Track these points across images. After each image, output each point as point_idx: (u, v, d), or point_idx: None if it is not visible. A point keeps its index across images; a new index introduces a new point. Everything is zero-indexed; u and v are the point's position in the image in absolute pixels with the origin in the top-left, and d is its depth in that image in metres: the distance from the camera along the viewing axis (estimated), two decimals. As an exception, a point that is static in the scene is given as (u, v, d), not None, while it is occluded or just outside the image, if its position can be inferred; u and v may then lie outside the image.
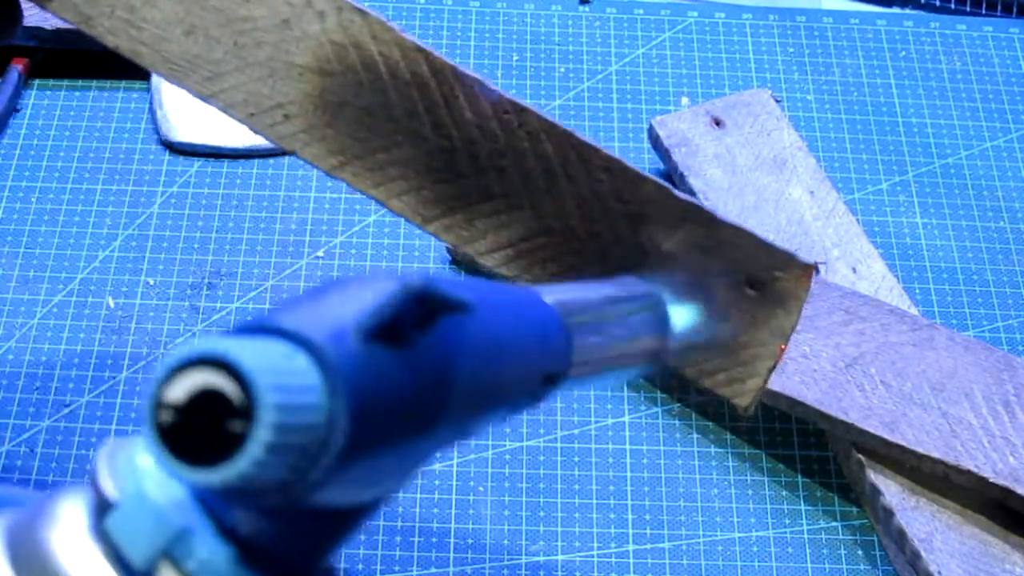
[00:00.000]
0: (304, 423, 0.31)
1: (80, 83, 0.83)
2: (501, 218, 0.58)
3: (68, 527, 0.33)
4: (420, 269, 0.74)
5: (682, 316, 0.51)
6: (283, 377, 0.30)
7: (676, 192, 0.56)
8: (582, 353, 0.43)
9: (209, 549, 0.32)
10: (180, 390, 0.30)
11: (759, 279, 0.55)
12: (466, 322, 0.37)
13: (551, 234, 0.58)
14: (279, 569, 0.33)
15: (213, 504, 0.33)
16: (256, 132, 0.59)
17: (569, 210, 0.57)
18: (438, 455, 0.38)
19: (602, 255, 0.57)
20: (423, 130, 0.57)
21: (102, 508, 0.33)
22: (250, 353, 0.30)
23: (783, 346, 0.56)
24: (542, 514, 0.66)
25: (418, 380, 0.34)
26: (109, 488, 0.33)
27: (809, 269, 0.56)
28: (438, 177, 0.57)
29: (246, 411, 0.29)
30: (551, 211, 0.57)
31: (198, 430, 0.30)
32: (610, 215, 0.57)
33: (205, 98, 0.59)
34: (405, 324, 0.34)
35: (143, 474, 0.32)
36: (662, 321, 0.49)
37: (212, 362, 0.30)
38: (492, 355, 0.38)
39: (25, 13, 0.63)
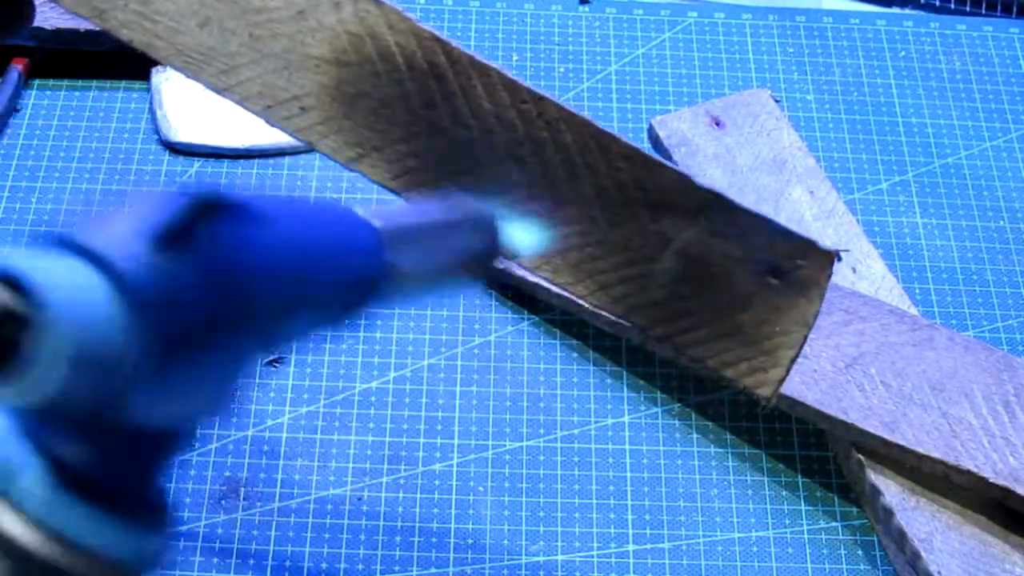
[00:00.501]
0: (100, 336, 0.31)
1: (80, 83, 0.83)
2: (520, 208, 0.58)
3: None
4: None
5: (519, 230, 0.51)
6: (73, 291, 0.31)
7: (697, 180, 0.56)
8: (403, 264, 0.44)
9: (33, 476, 0.32)
10: None
11: (780, 267, 0.55)
12: (260, 228, 0.37)
13: (571, 223, 0.57)
14: (104, 492, 0.34)
15: (35, 431, 0.33)
16: (272, 125, 0.58)
17: (589, 199, 0.57)
18: (254, 364, 0.38)
19: (623, 244, 0.57)
20: (441, 121, 0.57)
21: None
22: (38, 267, 0.30)
23: (806, 335, 0.56)
24: (542, 514, 0.66)
25: (211, 285, 0.35)
26: None
27: (830, 256, 0.55)
28: (456, 168, 0.57)
29: (35, 325, 0.30)
30: (571, 200, 0.57)
31: None
32: (630, 204, 0.56)
33: (220, 91, 0.58)
34: (191, 228, 0.34)
35: None
36: (492, 234, 0.49)
37: (1, 279, 0.30)
38: (292, 261, 0.39)
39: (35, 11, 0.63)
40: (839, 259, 0.56)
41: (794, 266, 0.55)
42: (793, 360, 0.56)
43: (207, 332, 0.35)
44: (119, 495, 0.34)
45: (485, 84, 0.56)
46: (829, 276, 0.56)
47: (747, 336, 0.56)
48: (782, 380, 0.56)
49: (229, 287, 0.35)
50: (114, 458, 0.34)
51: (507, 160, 0.57)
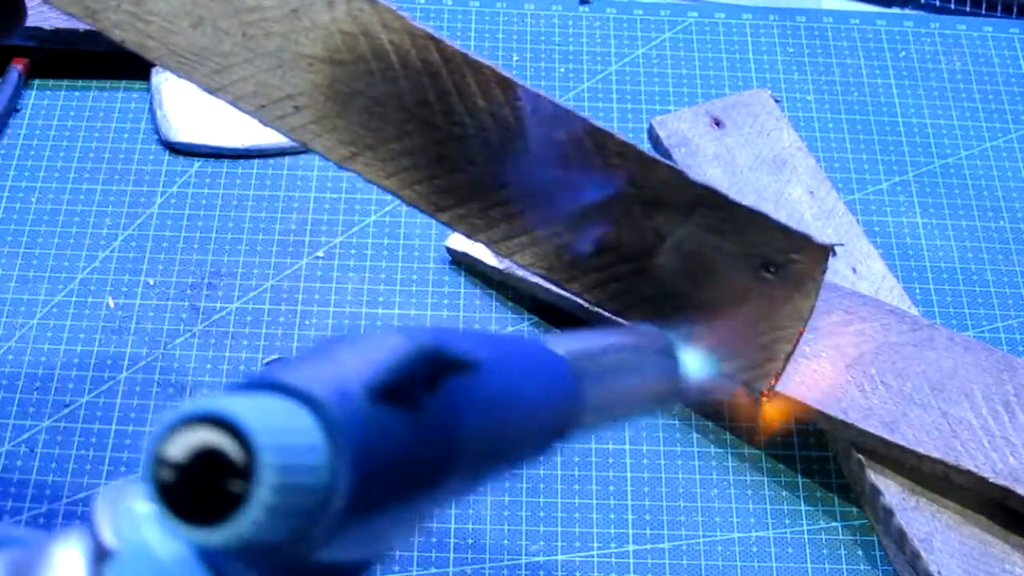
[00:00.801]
0: (306, 484, 0.30)
1: (80, 83, 0.83)
2: (515, 206, 0.57)
3: (65, 574, 0.32)
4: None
5: (695, 359, 0.50)
6: (285, 437, 0.30)
7: (691, 176, 0.56)
8: (592, 402, 0.43)
9: None
10: (180, 448, 0.29)
11: (775, 261, 0.55)
12: (474, 381, 0.36)
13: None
14: None
15: (215, 562, 0.32)
16: (266, 124, 0.58)
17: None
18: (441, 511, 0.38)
19: (617, 241, 0.57)
20: (435, 119, 0.57)
21: (100, 556, 0.32)
22: (252, 411, 0.30)
23: (801, 329, 0.56)
24: (542, 514, 0.66)
25: (424, 442, 0.34)
26: (108, 536, 0.32)
27: (825, 250, 0.55)
28: (451, 166, 0.57)
29: (247, 471, 0.29)
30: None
31: (198, 488, 0.29)
32: (624, 200, 0.56)
33: (214, 91, 0.58)
34: (413, 385, 0.33)
35: (144, 525, 0.32)
36: (673, 365, 0.48)
37: (213, 420, 0.29)
38: (500, 412, 0.38)
39: (28, 11, 0.63)
40: (834, 254, 0.56)
41: (789, 260, 0.55)
42: (789, 355, 0.56)
43: (411, 486, 0.34)
44: None
45: (479, 82, 0.56)
46: (824, 270, 0.56)
47: (743, 331, 0.56)
48: (779, 374, 0.56)
49: (440, 444, 0.34)
50: None
51: (501, 158, 0.57)
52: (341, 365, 0.33)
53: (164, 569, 0.31)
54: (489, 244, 0.58)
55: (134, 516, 0.32)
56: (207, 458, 0.29)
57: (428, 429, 0.34)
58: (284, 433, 0.30)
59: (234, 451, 0.29)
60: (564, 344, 0.43)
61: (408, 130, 0.57)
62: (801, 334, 0.56)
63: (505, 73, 0.56)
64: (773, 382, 0.57)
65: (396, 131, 0.57)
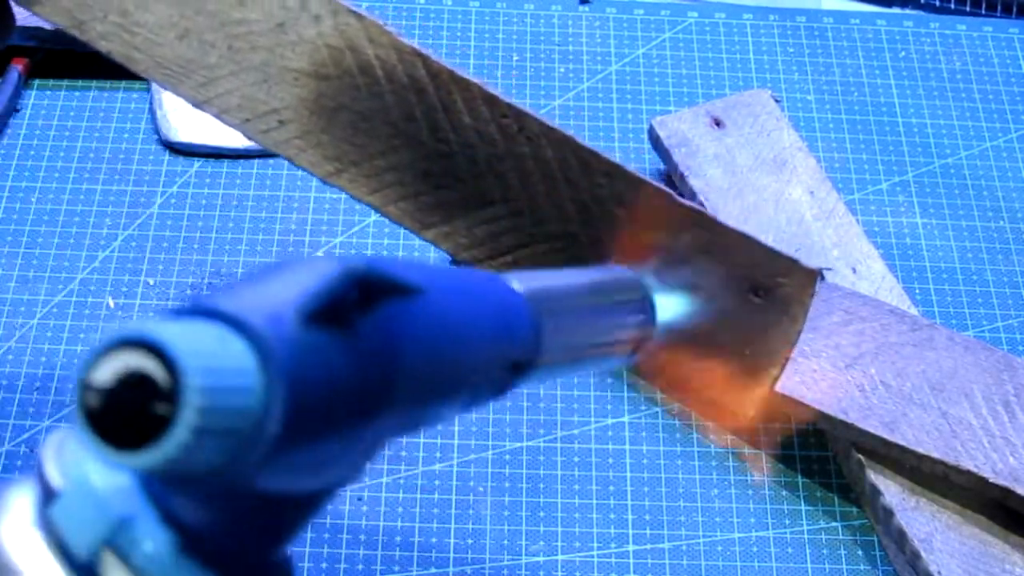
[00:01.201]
0: (235, 406, 0.30)
1: (80, 83, 0.83)
2: (501, 224, 0.57)
3: (15, 517, 0.32)
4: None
5: (671, 304, 0.49)
6: (214, 359, 0.30)
7: (678, 197, 0.56)
8: (554, 341, 0.42)
9: (153, 538, 0.31)
10: (107, 372, 0.29)
11: (763, 285, 0.55)
12: (414, 306, 0.36)
13: (552, 239, 0.57)
14: (227, 559, 0.33)
15: (157, 492, 0.32)
16: (250, 138, 0.58)
17: (570, 215, 0.57)
18: (393, 441, 0.37)
19: (604, 261, 0.57)
20: (421, 135, 0.56)
21: (47, 497, 0.32)
22: (180, 335, 0.29)
23: (789, 352, 0.56)
24: (542, 514, 0.66)
25: (360, 365, 0.33)
26: (54, 477, 0.32)
27: (813, 275, 0.55)
28: (436, 183, 0.57)
29: (172, 394, 0.29)
30: (552, 217, 0.57)
31: (126, 413, 0.29)
32: (611, 220, 0.56)
33: (199, 104, 0.58)
34: (346, 307, 0.33)
35: (86, 462, 0.32)
36: (646, 309, 0.47)
37: (140, 344, 0.29)
38: (444, 341, 0.37)
39: (24, 14, 0.63)
40: (822, 277, 0.56)
41: (776, 284, 0.55)
42: (776, 378, 0.56)
43: (348, 411, 0.34)
44: (241, 562, 0.33)
45: (465, 98, 0.56)
46: (812, 295, 0.55)
47: (730, 354, 0.56)
48: (765, 398, 0.56)
49: (377, 370, 0.34)
50: (238, 525, 0.33)
51: (487, 175, 0.56)
52: (273, 290, 0.33)
53: (104, 501, 0.31)
54: (474, 263, 0.57)
55: (79, 456, 0.32)
56: (133, 382, 0.29)
57: (363, 354, 0.33)
58: (212, 356, 0.30)
59: (159, 374, 0.29)
60: (526, 280, 0.42)
61: (394, 146, 0.57)
62: (788, 356, 0.56)
63: (491, 90, 0.56)
64: (759, 406, 0.56)
65: (382, 146, 0.57)
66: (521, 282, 0.41)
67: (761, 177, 0.76)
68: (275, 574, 0.35)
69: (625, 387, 0.71)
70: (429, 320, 0.36)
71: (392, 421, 0.35)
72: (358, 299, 0.33)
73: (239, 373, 0.30)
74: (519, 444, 0.69)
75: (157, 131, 0.80)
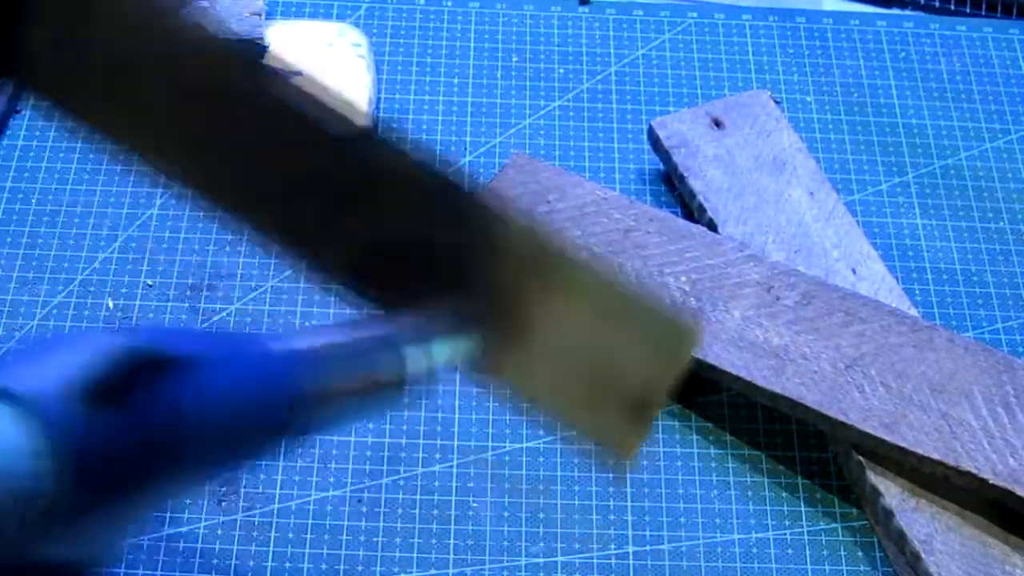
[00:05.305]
0: (18, 487, 0.31)
1: (80, 84, 0.82)
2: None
3: None
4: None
5: (437, 348, 0.50)
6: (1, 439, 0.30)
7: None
8: (314, 396, 0.44)
9: None
10: None
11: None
12: (188, 382, 0.37)
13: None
14: None
15: None
16: None
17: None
18: (182, 495, 0.40)
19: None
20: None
21: None
22: None
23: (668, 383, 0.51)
24: (542, 515, 0.66)
25: (137, 439, 0.35)
26: None
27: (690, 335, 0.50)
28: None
29: None
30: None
31: None
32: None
33: None
34: (125, 385, 0.34)
35: None
36: (400, 354, 0.48)
37: None
38: (217, 411, 0.39)
39: None
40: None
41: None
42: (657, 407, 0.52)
43: (131, 479, 0.35)
44: None
45: None
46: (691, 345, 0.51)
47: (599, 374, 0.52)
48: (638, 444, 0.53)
49: (157, 441, 0.35)
50: None
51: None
52: (54, 367, 0.33)
53: None
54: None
55: None
56: None
57: (142, 428, 0.35)
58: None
59: None
60: (288, 342, 0.44)
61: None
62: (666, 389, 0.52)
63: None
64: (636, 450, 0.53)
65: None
66: (284, 344, 0.44)
67: (761, 178, 0.76)
68: None
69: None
70: (204, 395, 0.38)
71: (173, 482, 0.37)
72: (135, 379, 0.35)
73: (23, 452, 0.31)
74: (519, 445, 0.69)
75: (157, 132, 0.80)
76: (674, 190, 0.78)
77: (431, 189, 0.48)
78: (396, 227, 0.49)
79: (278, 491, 0.66)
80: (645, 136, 0.80)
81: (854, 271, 0.72)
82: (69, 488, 0.31)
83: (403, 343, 0.48)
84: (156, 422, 0.35)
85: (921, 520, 0.63)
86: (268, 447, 0.44)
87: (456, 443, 0.69)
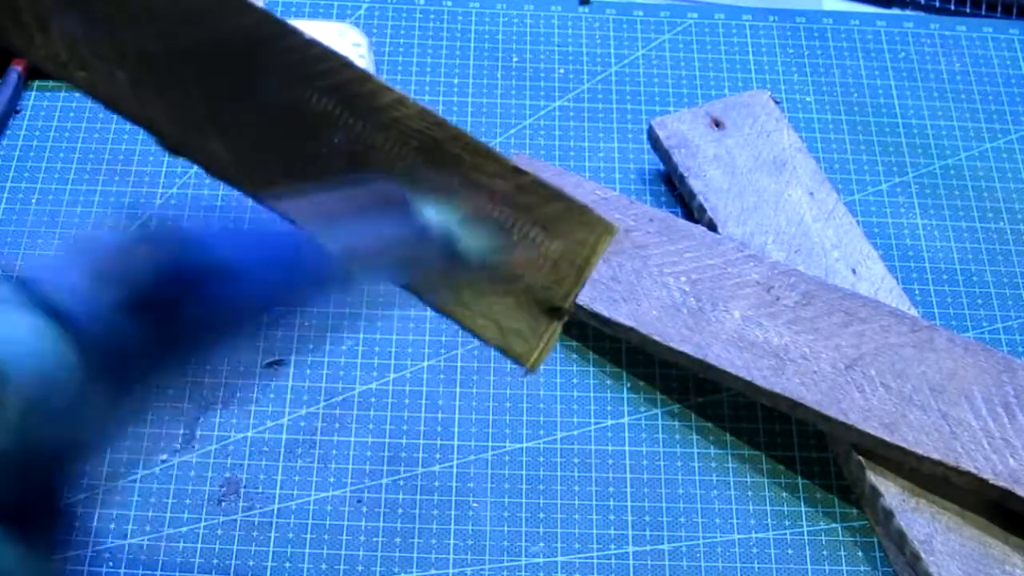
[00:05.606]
0: (46, 389, 0.31)
1: (80, 84, 0.82)
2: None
3: None
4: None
5: (434, 212, 0.49)
6: (32, 347, 0.31)
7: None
8: (333, 267, 0.44)
9: None
10: None
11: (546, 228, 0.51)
12: (214, 282, 0.37)
13: None
14: (16, 513, 0.34)
15: None
16: None
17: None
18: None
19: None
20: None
21: None
22: (3, 342, 0.31)
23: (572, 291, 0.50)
24: (542, 515, 0.66)
25: (161, 339, 0.35)
26: None
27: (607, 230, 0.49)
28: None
29: None
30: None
31: None
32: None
33: None
34: (153, 294, 0.35)
35: None
36: (411, 221, 0.48)
37: None
38: (240, 306, 0.39)
39: None
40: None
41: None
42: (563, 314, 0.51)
43: (144, 374, 0.35)
44: (31, 513, 0.35)
45: None
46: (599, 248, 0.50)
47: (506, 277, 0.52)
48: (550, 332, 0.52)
49: (179, 340, 0.36)
50: (27, 482, 0.34)
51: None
52: (85, 273, 0.34)
53: None
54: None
55: None
56: None
57: (168, 330, 0.35)
58: (31, 345, 0.31)
59: None
60: (302, 208, 0.44)
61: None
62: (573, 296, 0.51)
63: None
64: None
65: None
66: (303, 214, 0.44)
67: (761, 178, 0.76)
68: (50, 511, 0.36)
69: (625, 388, 0.71)
70: (230, 292, 0.38)
71: (182, 371, 0.38)
72: (166, 286, 0.35)
73: (53, 358, 0.32)
74: (519, 445, 0.69)
75: (157, 132, 0.80)
76: (674, 190, 0.78)
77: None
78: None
79: (278, 491, 0.66)
80: (645, 136, 0.80)
81: (854, 271, 0.72)
82: (94, 390, 0.32)
83: (416, 204, 0.48)
84: (181, 326, 0.36)
85: (921, 520, 0.63)
86: (319, 298, 0.45)
87: (456, 443, 0.69)
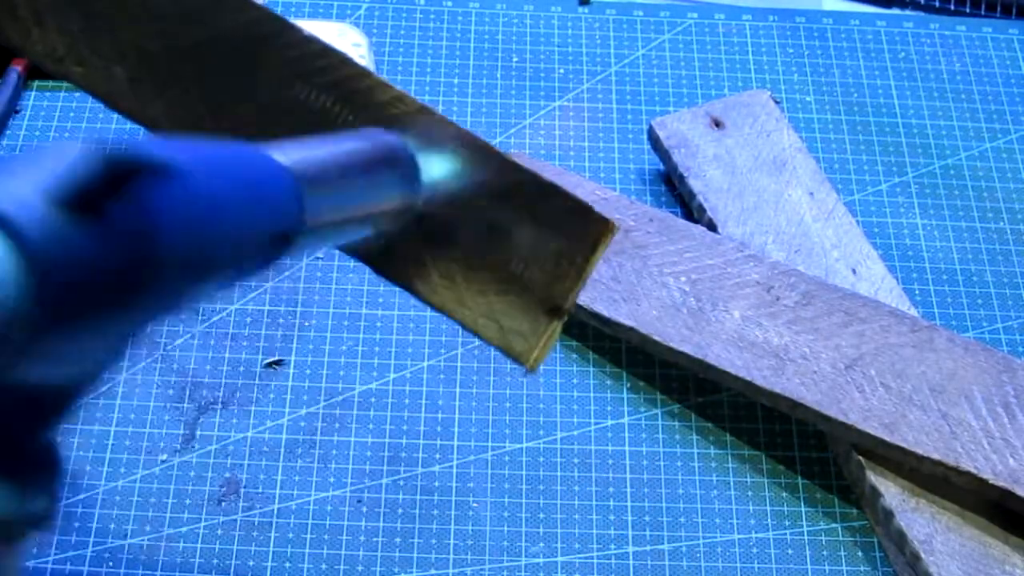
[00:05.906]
0: (11, 323, 0.30)
1: (80, 84, 0.82)
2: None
3: None
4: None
5: (435, 166, 0.48)
6: None
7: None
8: (318, 210, 0.41)
9: None
10: None
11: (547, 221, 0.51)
12: (172, 186, 0.35)
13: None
14: None
15: None
16: None
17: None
18: (159, 321, 0.37)
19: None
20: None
21: None
22: None
23: (572, 288, 0.49)
24: (542, 515, 0.66)
25: (116, 252, 0.33)
26: None
27: (606, 227, 0.49)
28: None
29: None
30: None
31: None
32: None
33: None
34: (98, 192, 0.32)
35: None
36: (410, 176, 0.47)
37: None
38: (206, 219, 0.36)
39: None
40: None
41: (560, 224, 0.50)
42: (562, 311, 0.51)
43: (110, 296, 0.33)
44: (7, 448, 0.34)
45: None
46: (600, 246, 0.49)
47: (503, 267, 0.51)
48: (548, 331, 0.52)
49: (138, 253, 0.33)
50: (2, 412, 0.33)
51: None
52: (29, 177, 0.32)
53: None
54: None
55: None
56: None
57: (119, 239, 0.33)
58: None
59: None
60: (288, 152, 0.41)
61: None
62: (573, 294, 0.50)
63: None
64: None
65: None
66: (283, 153, 0.41)
67: (761, 178, 0.76)
68: (38, 463, 0.35)
69: (625, 388, 0.71)
70: (188, 199, 0.35)
71: (154, 303, 0.35)
72: (110, 182, 0.32)
73: (8, 284, 0.30)
74: (519, 445, 0.69)
75: (157, 132, 0.80)
76: (674, 190, 0.78)
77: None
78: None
79: (278, 491, 0.66)
80: (645, 136, 0.80)
81: (854, 271, 0.72)
82: (42, 301, 0.30)
83: (414, 155, 0.46)
84: (132, 231, 0.33)
85: (921, 520, 0.63)
86: (261, 265, 0.40)
87: (456, 443, 0.69)
